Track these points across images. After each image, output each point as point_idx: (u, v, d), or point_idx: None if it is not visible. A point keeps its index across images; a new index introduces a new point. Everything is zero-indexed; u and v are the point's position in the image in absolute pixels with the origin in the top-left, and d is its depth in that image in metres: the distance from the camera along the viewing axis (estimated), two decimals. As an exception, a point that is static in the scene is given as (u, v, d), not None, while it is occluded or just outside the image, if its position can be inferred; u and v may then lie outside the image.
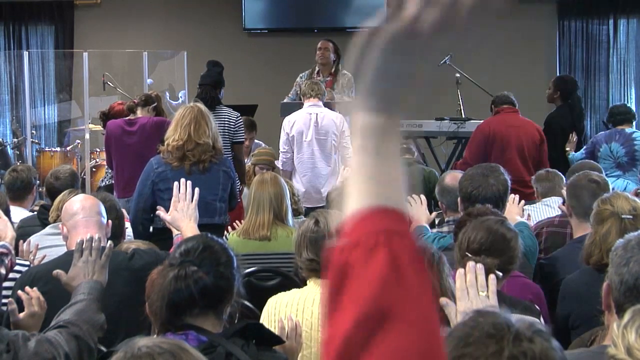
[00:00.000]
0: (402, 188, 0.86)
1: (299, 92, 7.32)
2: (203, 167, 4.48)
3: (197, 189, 3.49)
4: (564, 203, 4.39)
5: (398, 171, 0.87)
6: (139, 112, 6.38)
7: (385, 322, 0.77)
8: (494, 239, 2.94)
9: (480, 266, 2.34)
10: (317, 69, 7.59)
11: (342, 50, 7.49)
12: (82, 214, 3.30)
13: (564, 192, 4.48)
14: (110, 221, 3.45)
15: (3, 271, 2.92)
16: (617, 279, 2.24)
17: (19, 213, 5.05)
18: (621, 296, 2.24)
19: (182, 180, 3.54)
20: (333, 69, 7.54)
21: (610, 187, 4.22)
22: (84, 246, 2.91)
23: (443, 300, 2.16)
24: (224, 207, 4.70)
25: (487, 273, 2.36)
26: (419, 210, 4.28)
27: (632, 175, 6.98)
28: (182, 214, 3.42)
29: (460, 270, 2.32)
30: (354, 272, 0.80)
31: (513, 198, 4.15)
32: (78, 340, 2.59)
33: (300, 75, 7.72)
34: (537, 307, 3.07)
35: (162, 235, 4.13)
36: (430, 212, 4.43)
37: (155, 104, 6.43)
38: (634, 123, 7.48)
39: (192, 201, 3.45)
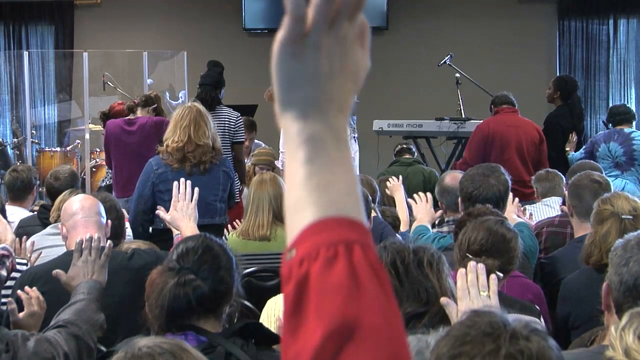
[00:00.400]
0: (356, 195, 0.83)
1: None
2: (204, 168, 4.48)
3: (196, 189, 3.49)
4: (564, 203, 4.39)
5: (350, 178, 0.83)
6: (139, 112, 6.38)
7: (352, 334, 0.75)
8: (494, 240, 2.94)
9: (481, 266, 2.34)
10: None
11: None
12: (81, 214, 3.30)
13: (565, 192, 4.48)
14: (109, 221, 3.45)
15: (4, 273, 2.92)
16: (617, 279, 2.24)
17: (19, 213, 5.06)
18: (621, 296, 2.24)
19: (182, 180, 3.54)
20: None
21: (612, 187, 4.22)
22: (83, 246, 2.91)
23: (444, 300, 2.16)
24: (224, 208, 4.70)
25: (488, 274, 2.37)
26: (423, 209, 4.26)
27: (630, 175, 6.98)
28: (181, 214, 3.42)
29: (462, 270, 2.32)
30: (315, 284, 0.77)
31: (510, 199, 4.15)
32: (77, 339, 2.60)
33: None
34: (537, 307, 3.07)
35: (162, 236, 4.13)
36: (436, 205, 4.41)
37: (155, 105, 6.44)
38: (633, 123, 7.48)
39: (191, 201, 3.45)
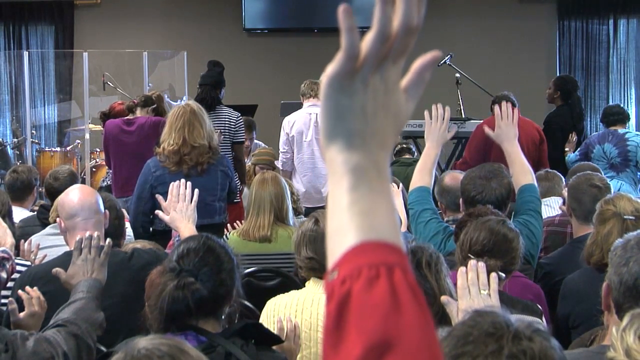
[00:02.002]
0: (395, 223, 0.88)
1: None
2: (201, 169, 4.47)
3: (196, 190, 3.48)
4: (564, 203, 4.39)
5: (390, 206, 0.88)
6: (138, 113, 6.39)
7: (391, 349, 0.79)
8: (496, 240, 2.94)
9: (481, 264, 2.33)
10: None
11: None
12: (81, 217, 3.29)
13: (564, 192, 4.48)
14: (107, 211, 3.44)
15: (4, 275, 2.92)
16: (617, 279, 2.24)
17: (19, 213, 5.06)
18: (621, 296, 2.23)
19: (183, 181, 3.53)
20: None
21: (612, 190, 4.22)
22: (83, 244, 2.91)
23: (444, 298, 2.16)
24: (223, 206, 4.70)
25: (489, 274, 2.36)
26: (435, 133, 4.03)
27: (625, 176, 6.98)
28: (180, 215, 3.41)
29: (462, 269, 2.32)
30: (357, 302, 0.81)
31: (506, 109, 4.04)
32: (77, 339, 2.59)
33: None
34: (539, 307, 3.07)
35: (162, 236, 4.13)
36: (436, 205, 4.31)
37: (155, 105, 6.44)
38: (627, 123, 7.47)
39: (191, 202, 3.44)
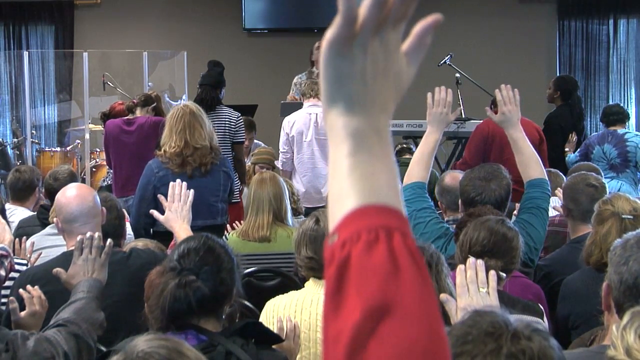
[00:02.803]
0: (396, 187, 0.88)
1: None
2: (205, 170, 4.47)
3: (192, 191, 3.47)
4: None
5: (391, 171, 0.88)
6: (138, 112, 6.39)
7: (390, 311, 0.79)
8: (495, 240, 2.93)
9: (480, 262, 2.33)
10: (315, 70, 7.58)
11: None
12: (80, 222, 3.29)
13: (558, 193, 4.47)
14: (104, 209, 3.44)
15: (3, 273, 2.92)
16: (617, 278, 2.24)
17: (20, 213, 5.07)
18: (621, 295, 2.23)
19: (178, 181, 3.53)
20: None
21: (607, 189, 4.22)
22: (83, 244, 2.91)
23: (443, 296, 2.16)
24: (225, 208, 4.70)
25: (490, 271, 2.36)
26: (438, 116, 3.94)
27: (625, 177, 6.98)
28: (175, 215, 3.40)
29: (461, 267, 2.32)
30: (356, 265, 0.81)
31: (507, 93, 3.98)
32: (77, 338, 2.59)
33: (298, 76, 7.72)
34: (540, 306, 3.07)
35: (163, 238, 4.13)
36: (436, 205, 4.30)
37: (155, 105, 6.44)
38: (627, 123, 7.47)
39: (186, 203, 3.43)
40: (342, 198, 0.86)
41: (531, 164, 3.81)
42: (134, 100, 6.52)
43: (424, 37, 0.93)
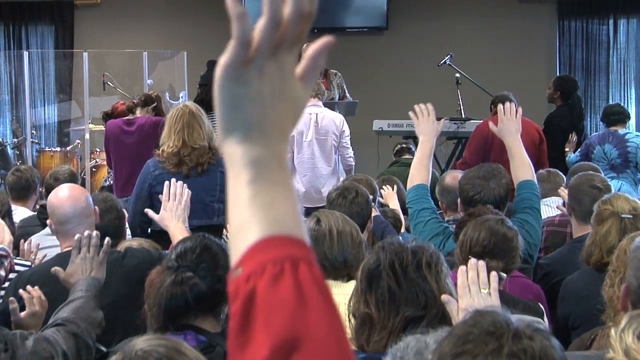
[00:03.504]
0: (298, 215, 0.86)
1: None
2: (201, 169, 4.47)
3: (188, 191, 3.46)
4: (563, 204, 4.39)
5: (291, 198, 0.86)
6: (138, 112, 6.39)
7: (299, 346, 0.77)
8: (496, 240, 2.93)
9: (482, 263, 2.33)
10: None
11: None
12: (73, 224, 3.29)
13: (561, 192, 4.48)
14: (97, 208, 3.44)
15: (2, 273, 2.92)
16: (636, 283, 2.23)
17: (21, 213, 5.07)
18: (638, 300, 2.23)
19: (174, 180, 3.52)
20: (322, 70, 7.53)
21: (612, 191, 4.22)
22: (81, 243, 2.91)
23: (445, 297, 2.15)
24: (222, 208, 4.70)
25: (489, 272, 2.36)
26: (425, 125, 4.08)
27: (626, 177, 6.98)
28: (170, 214, 3.39)
29: (462, 267, 2.32)
30: (262, 299, 0.79)
31: (509, 108, 4.09)
32: (76, 338, 2.59)
33: None
34: (540, 306, 3.07)
35: (160, 237, 4.13)
36: (437, 205, 4.33)
37: (155, 104, 6.44)
38: (627, 123, 7.47)
39: (181, 202, 3.43)
40: (244, 229, 0.84)
41: (522, 167, 3.93)
42: (134, 101, 6.53)
43: (318, 59, 0.91)
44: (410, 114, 4.18)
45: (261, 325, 0.79)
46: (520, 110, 4.15)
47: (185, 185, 3.50)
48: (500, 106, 4.18)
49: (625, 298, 2.29)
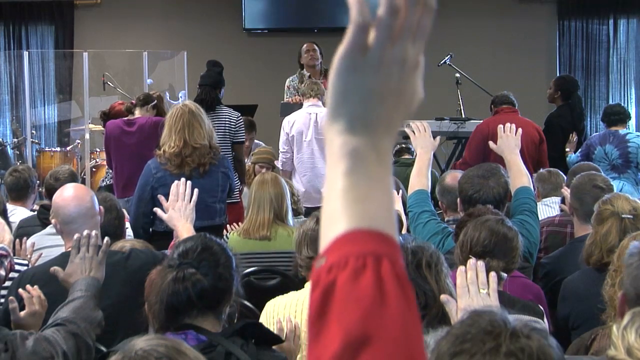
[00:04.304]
0: (391, 212, 0.85)
1: (295, 94, 7.38)
2: (203, 170, 4.47)
3: (196, 190, 3.48)
4: (563, 202, 4.39)
5: (387, 194, 0.85)
6: (138, 112, 6.38)
7: (370, 344, 0.77)
8: (496, 240, 2.94)
9: (481, 263, 2.33)
10: (306, 72, 7.58)
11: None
12: (77, 224, 3.29)
13: (563, 191, 4.48)
14: (102, 207, 3.44)
15: (2, 273, 2.92)
16: (633, 292, 2.23)
17: (20, 213, 5.07)
18: (636, 307, 2.22)
19: (183, 180, 3.53)
20: (321, 71, 7.55)
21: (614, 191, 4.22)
22: (81, 242, 2.91)
23: (444, 297, 2.16)
24: (223, 208, 4.70)
25: (489, 273, 2.36)
26: (422, 140, 4.18)
27: (627, 177, 6.98)
28: (178, 214, 3.40)
29: (461, 268, 2.32)
30: (341, 293, 0.79)
31: (509, 127, 4.20)
32: (76, 338, 2.60)
33: (290, 79, 7.72)
34: (540, 307, 3.07)
35: (162, 238, 4.13)
36: (437, 205, 4.36)
37: (155, 103, 6.44)
38: (628, 123, 7.46)
39: (190, 202, 3.44)
40: (334, 220, 0.83)
41: (520, 176, 4.00)
42: (133, 102, 6.52)
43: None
44: (407, 130, 4.26)
45: (335, 319, 0.79)
46: (520, 130, 4.27)
47: (190, 184, 3.50)
48: (500, 126, 4.30)
49: (622, 306, 2.28)
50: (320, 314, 0.80)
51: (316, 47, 7.58)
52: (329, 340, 0.78)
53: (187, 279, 2.36)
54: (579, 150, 7.36)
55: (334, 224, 0.83)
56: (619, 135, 7.06)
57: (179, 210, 3.40)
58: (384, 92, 0.85)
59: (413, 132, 4.22)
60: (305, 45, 7.64)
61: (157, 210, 3.49)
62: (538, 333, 1.37)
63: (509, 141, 4.17)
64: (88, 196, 3.42)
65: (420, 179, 4.08)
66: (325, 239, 0.83)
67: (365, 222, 0.82)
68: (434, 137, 4.29)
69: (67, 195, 3.39)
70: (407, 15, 0.84)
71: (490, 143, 4.32)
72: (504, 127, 4.23)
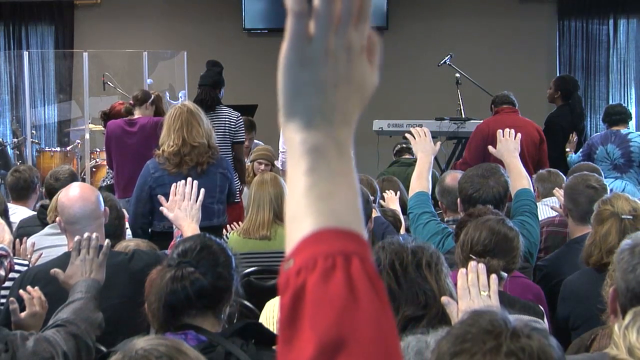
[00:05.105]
0: (357, 207, 0.82)
1: None
2: (201, 169, 4.47)
3: (202, 190, 3.47)
4: (560, 206, 4.39)
5: (352, 190, 0.82)
6: (137, 112, 6.38)
7: (345, 347, 0.75)
8: (497, 240, 2.94)
9: (481, 266, 2.33)
10: None
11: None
12: (82, 224, 3.28)
13: (556, 192, 4.48)
14: (107, 208, 3.43)
15: (2, 273, 2.92)
16: (624, 285, 2.23)
17: (21, 213, 5.07)
18: (627, 302, 2.22)
19: (189, 179, 3.52)
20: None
21: (608, 189, 4.23)
22: (81, 245, 2.91)
23: (445, 299, 2.16)
24: (222, 208, 4.70)
25: (489, 274, 2.36)
26: (422, 144, 4.22)
27: (629, 177, 6.98)
28: (184, 214, 3.40)
29: (462, 270, 2.32)
30: (312, 295, 0.77)
31: (509, 132, 4.24)
32: (76, 339, 2.60)
33: None
34: (540, 307, 3.07)
35: (161, 238, 4.13)
36: (437, 205, 4.38)
37: (153, 99, 6.44)
38: (629, 123, 7.46)
39: (196, 202, 3.43)
40: (299, 220, 0.81)
41: (520, 179, 4.03)
42: (131, 102, 6.52)
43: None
44: (407, 135, 4.33)
45: (308, 323, 0.76)
46: (519, 135, 4.30)
47: (197, 183, 3.49)
48: (499, 130, 4.34)
49: (613, 302, 2.28)
50: (292, 318, 0.77)
51: None
52: (303, 345, 0.76)
53: (185, 278, 2.36)
54: (580, 150, 7.36)
55: (300, 224, 0.80)
56: (620, 135, 7.06)
57: (184, 210, 3.39)
58: (335, 81, 0.83)
59: (414, 137, 4.26)
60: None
61: (163, 209, 3.49)
62: (538, 333, 1.37)
63: (508, 145, 4.20)
64: (94, 197, 3.40)
65: (421, 181, 4.12)
66: (292, 240, 0.81)
67: (332, 221, 0.80)
68: (434, 139, 4.31)
69: (73, 195, 3.36)
70: (343, 1, 0.82)
71: (490, 147, 4.34)
72: (502, 132, 4.27)
